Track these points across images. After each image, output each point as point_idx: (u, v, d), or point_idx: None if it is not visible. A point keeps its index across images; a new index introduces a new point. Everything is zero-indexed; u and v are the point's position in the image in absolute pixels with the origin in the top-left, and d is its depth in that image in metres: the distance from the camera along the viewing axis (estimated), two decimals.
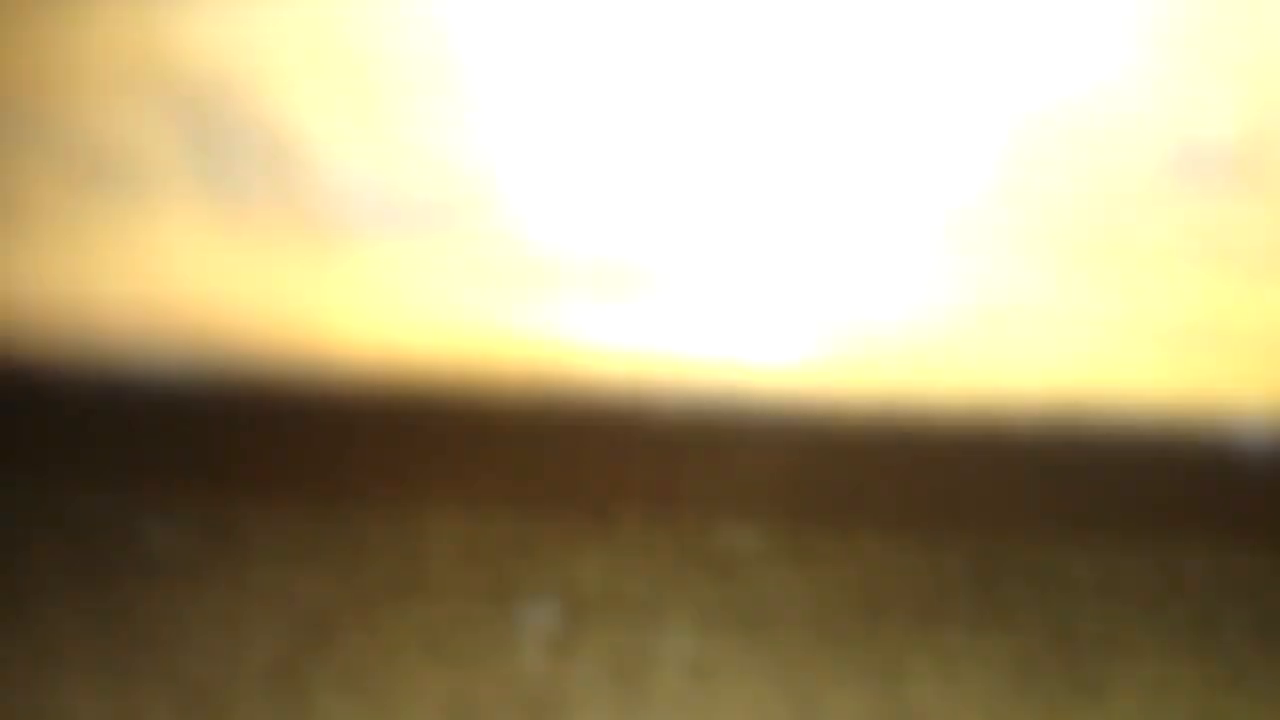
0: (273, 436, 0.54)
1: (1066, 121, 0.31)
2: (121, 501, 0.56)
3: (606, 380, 0.29)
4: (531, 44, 0.28)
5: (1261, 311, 0.32)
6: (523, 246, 0.28)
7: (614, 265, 0.28)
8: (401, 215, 0.28)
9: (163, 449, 0.56)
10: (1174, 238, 0.31)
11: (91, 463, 0.55)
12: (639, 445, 0.58)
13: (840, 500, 0.60)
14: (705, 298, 0.29)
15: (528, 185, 0.28)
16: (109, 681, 0.50)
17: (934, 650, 0.55)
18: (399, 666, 0.52)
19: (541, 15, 0.28)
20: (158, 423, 0.49)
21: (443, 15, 0.28)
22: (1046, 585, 0.57)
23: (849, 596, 0.56)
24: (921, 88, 0.30)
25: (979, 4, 0.30)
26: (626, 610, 0.55)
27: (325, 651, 0.52)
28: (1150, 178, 0.31)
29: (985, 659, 0.55)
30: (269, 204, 0.28)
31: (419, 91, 0.28)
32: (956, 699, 0.53)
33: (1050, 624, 0.56)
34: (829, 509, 0.60)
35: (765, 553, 0.58)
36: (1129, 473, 0.54)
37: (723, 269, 0.29)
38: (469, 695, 0.52)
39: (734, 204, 0.29)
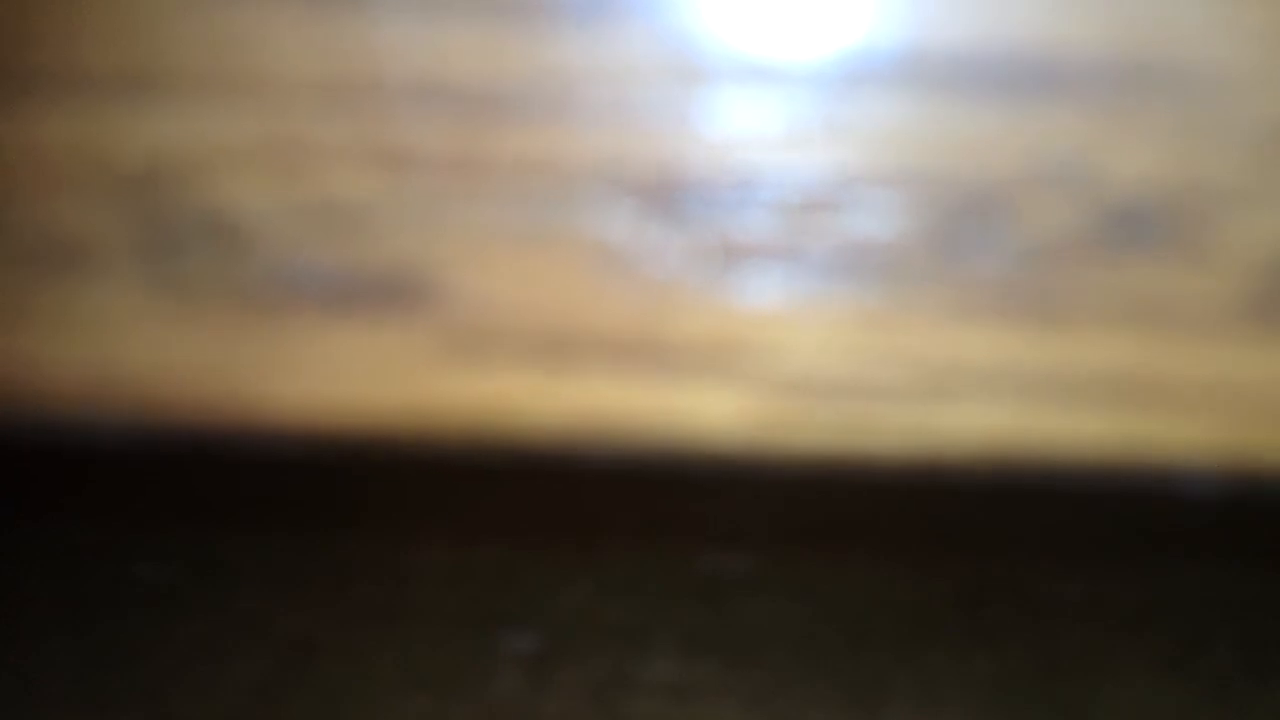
0: (257, 476, 0.54)
1: (999, 190, 0.31)
2: (106, 537, 0.56)
3: (539, 441, 0.29)
4: (468, 133, 0.29)
5: (1195, 370, 0.33)
6: (457, 323, 0.29)
7: (547, 338, 0.29)
8: (339, 296, 0.29)
9: (147, 486, 0.56)
10: (1104, 299, 0.32)
11: (77, 501, 0.56)
12: (627, 481, 0.58)
13: (825, 528, 0.60)
14: (645, 360, 0.30)
15: (461, 268, 0.29)
16: (91, 713, 0.51)
17: (916, 673, 0.55)
18: (378, 692, 0.53)
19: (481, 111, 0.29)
20: (132, 472, 0.50)
21: (381, 109, 0.28)
22: (1031, 609, 0.57)
23: (832, 621, 0.57)
24: (857, 161, 0.31)
25: (911, 76, 0.31)
26: (608, 636, 0.56)
27: (305, 678, 0.53)
28: (1082, 241, 0.31)
29: (968, 682, 0.55)
30: (210, 284, 0.29)
31: (356, 181, 0.29)
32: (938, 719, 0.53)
33: (1034, 647, 0.56)
34: (814, 537, 0.60)
35: (750, 580, 0.58)
36: (1089, 509, 0.55)
37: (661, 332, 0.30)
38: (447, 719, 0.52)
39: (674, 267, 0.30)
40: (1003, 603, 0.59)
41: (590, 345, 0.29)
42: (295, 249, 0.28)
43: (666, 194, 0.29)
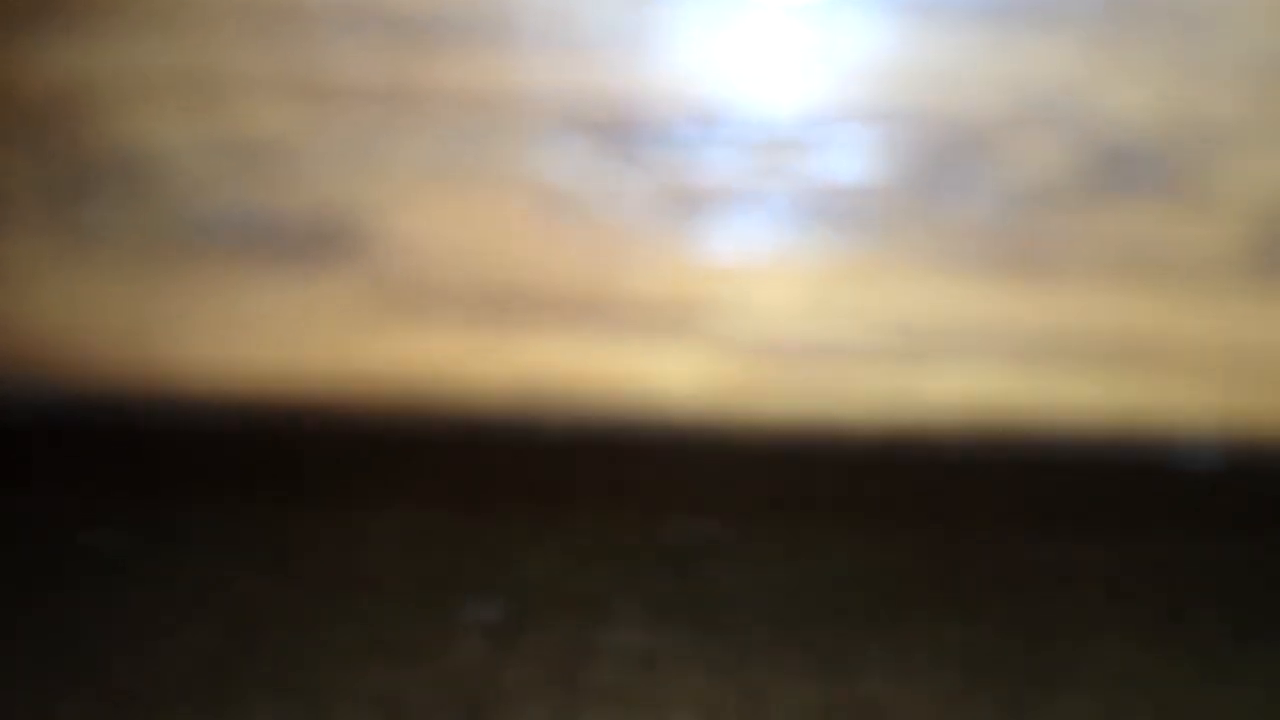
0: (207, 442, 0.53)
1: (983, 129, 0.29)
2: (54, 507, 0.55)
3: (483, 407, 0.27)
4: (394, 72, 0.26)
5: (1193, 327, 0.31)
6: (390, 275, 0.26)
7: (489, 292, 0.27)
8: (261, 243, 0.26)
9: (95, 456, 0.55)
10: (1095, 248, 0.30)
11: (21, 471, 0.55)
12: (590, 446, 0.57)
13: (795, 496, 0.59)
14: (597, 318, 0.28)
15: (394, 213, 0.27)
16: (39, 691, 0.50)
17: (888, 643, 0.54)
18: (332, 665, 0.51)
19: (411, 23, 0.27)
20: (57, 439, 0.49)
21: (305, 37, 0.26)
22: (1007, 577, 0.56)
23: (803, 590, 0.56)
24: (831, 98, 0.29)
25: (900, 12, 0.29)
26: (572, 605, 0.54)
27: (257, 651, 0.51)
28: (1072, 185, 0.29)
29: (941, 651, 0.54)
30: (120, 231, 0.27)
31: (280, 116, 0.27)
32: (910, 691, 0.52)
33: (1010, 616, 0.55)
34: (784, 504, 0.59)
35: (719, 548, 0.57)
36: (1076, 474, 0.53)
37: (615, 287, 0.28)
38: (404, 693, 0.51)
39: (630, 212, 0.28)
40: (978, 570, 0.58)
41: (537, 301, 0.27)
42: (213, 191, 0.26)
43: (620, 131, 0.26)
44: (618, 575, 0.55)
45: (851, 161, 0.28)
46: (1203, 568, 0.56)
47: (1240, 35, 0.29)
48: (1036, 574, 0.56)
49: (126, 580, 0.53)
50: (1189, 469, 0.35)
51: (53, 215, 0.26)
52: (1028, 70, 0.29)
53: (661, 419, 0.27)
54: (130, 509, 0.56)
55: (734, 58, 0.27)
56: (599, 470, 0.58)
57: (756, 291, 0.27)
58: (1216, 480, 0.48)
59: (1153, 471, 0.46)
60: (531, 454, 0.56)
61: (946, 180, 0.28)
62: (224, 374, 0.26)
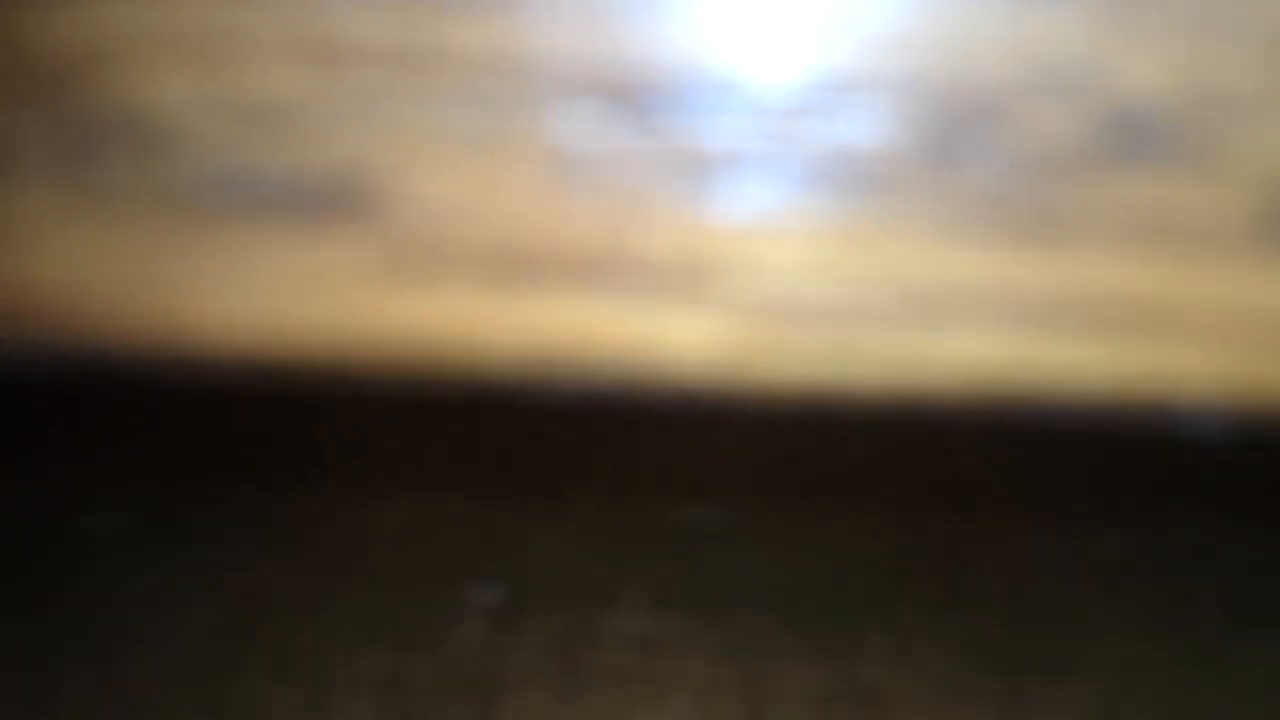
0: (211, 420, 0.53)
1: (996, 97, 0.29)
2: (55, 489, 0.55)
3: (494, 370, 0.27)
4: (406, 33, 0.26)
5: (1206, 293, 0.31)
6: (401, 236, 0.26)
7: (500, 254, 0.27)
8: (272, 203, 0.26)
9: (98, 436, 0.55)
10: (1107, 215, 0.30)
11: (24, 450, 0.54)
12: (594, 426, 0.57)
13: (799, 481, 0.59)
14: (609, 280, 0.28)
15: (405, 175, 0.26)
16: (39, 680, 0.50)
17: (891, 629, 0.54)
18: (334, 650, 0.51)
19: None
20: (58, 407, 0.49)
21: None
22: (1010, 565, 0.56)
23: (806, 576, 0.55)
24: (845, 64, 0.29)
25: None
26: (576, 589, 0.54)
27: (258, 636, 0.51)
28: (1083, 151, 0.29)
29: (944, 638, 0.54)
30: (131, 190, 0.27)
31: (290, 77, 0.27)
32: (912, 677, 0.52)
33: (1013, 604, 0.55)
34: (787, 488, 0.59)
35: (722, 533, 0.57)
36: (1079, 453, 0.53)
37: (626, 249, 0.28)
38: (405, 678, 0.50)
39: (641, 176, 0.28)
40: (981, 557, 0.58)
41: (549, 263, 0.27)
42: (223, 151, 0.26)
43: (633, 95, 0.26)
44: (620, 560, 0.55)
45: (864, 128, 0.28)
46: (1206, 550, 0.56)
47: (1252, 5, 0.29)
48: (1038, 560, 0.56)
49: (127, 562, 0.53)
50: (1195, 438, 0.35)
51: (64, 174, 0.26)
52: (1040, 38, 0.29)
53: (671, 379, 0.27)
54: (130, 487, 0.56)
55: (747, 23, 0.27)
56: (602, 453, 0.58)
57: (768, 255, 0.27)
58: (1223, 452, 0.48)
59: (1159, 443, 0.46)
60: (537, 429, 0.56)
61: (958, 147, 0.28)
62: (233, 332, 0.26)
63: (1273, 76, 0.29)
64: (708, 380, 0.28)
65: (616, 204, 0.27)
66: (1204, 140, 0.29)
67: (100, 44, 0.27)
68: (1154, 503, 0.56)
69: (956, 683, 0.52)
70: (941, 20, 0.27)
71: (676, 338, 0.28)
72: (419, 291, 0.27)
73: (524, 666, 0.51)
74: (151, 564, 0.53)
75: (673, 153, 0.27)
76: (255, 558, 0.53)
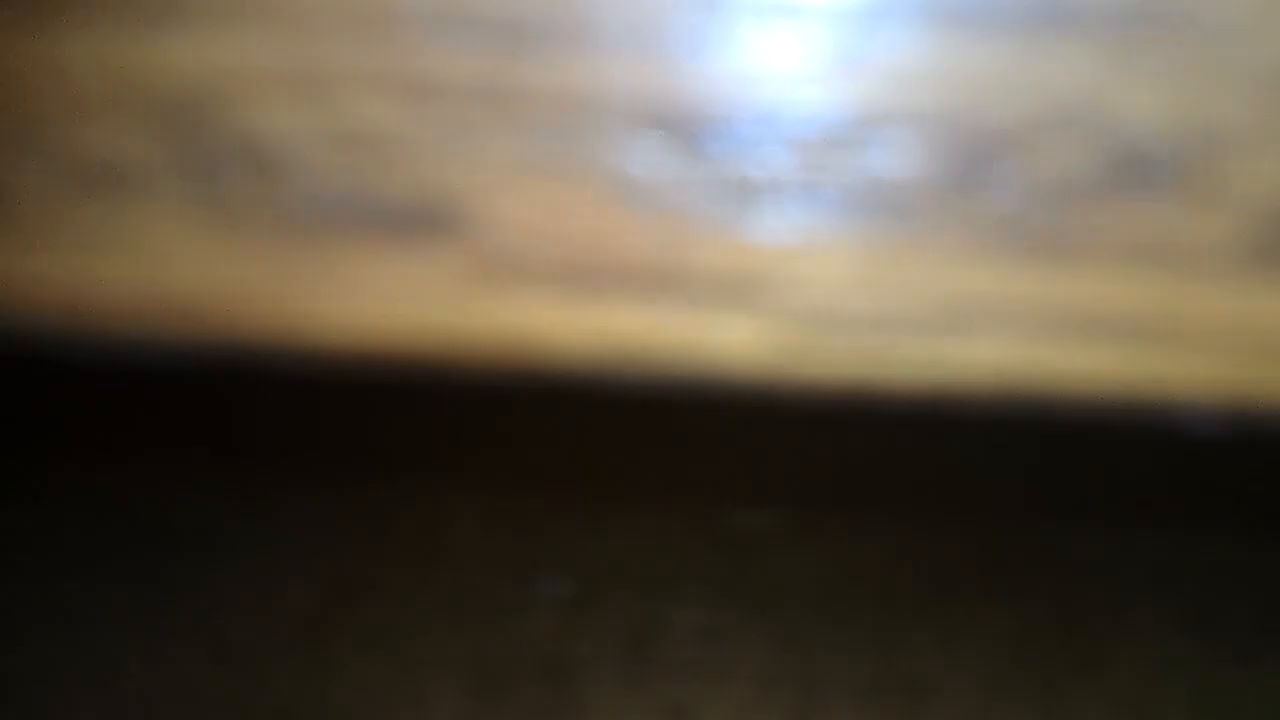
0: (300, 417, 0.55)
1: (1012, 130, 0.32)
2: (151, 476, 0.58)
3: (565, 367, 0.30)
4: (488, 73, 0.30)
5: (1203, 309, 0.34)
6: (484, 252, 0.30)
7: (571, 267, 0.30)
8: (371, 222, 0.30)
9: (192, 427, 0.57)
10: (1114, 238, 0.33)
11: (122, 440, 0.57)
12: (656, 430, 0.59)
13: (849, 483, 0.61)
14: (668, 290, 0.31)
15: (488, 198, 0.30)
16: (153, 642, 0.52)
17: (936, 625, 0.56)
18: (420, 631, 0.54)
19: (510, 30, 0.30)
20: (179, 402, 0.51)
21: (407, 39, 0.29)
22: (1050, 565, 0.58)
23: (854, 573, 0.58)
24: (876, 100, 0.32)
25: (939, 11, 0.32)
26: (638, 583, 0.57)
27: (351, 615, 0.54)
28: (1092, 181, 0.32)
29: (987, 634, 0.56)
30: (248, 207, 0.30)
31: (386, 111, 0.30)
32: (956, 671, 0.54)
33: (1053, 603, 0.57)
34: (834, 494, 0.61)
35: (775, 533, 0.59)
36: (1109, 458, 0.56)
37: (683, 263, 0.31)
38: (485, 659, 0.53)
39: (695, 200, 0.31)
40: (1021, 560, 0.60)
41: (614, 275, 0.30)
42: (330, 176, 0.29)
43: (687, 128, 0.30)
44: (680, 557, 0.58)
45: (894, 158, 0.31)
46: (1239, 560, 0.57)
47: (1250, 45, 0.32)
48: (1076, 564, 0.58)
49: (228, 549, 0.55)
50: (1197, 436, 0.37)
51: (192, 193, 0.30)
52: (1053, 79, 0.32)
53: (723, 379, 0.30)
54: (227, 481, 0.59)
55: (787, 63, 0.30)
56: (663, 455, 0.61)
57: (810, 270, 0.30)
58: (1226, 450, 0.50)
59: (1165, 443, 0.48)
60: (604, 434, 0.58)
61: (978, 175, 0.31)
62: (339, 332, 0.29)
63: (1265, 115, 0.32)
64: (757, 379, 0.31)
65: (674, 224, 0.30)
66: (1201, 172, 0.32)
67: (222, 79, 0.30)
68: (1179, 511, 0.58)
69: (999, 674, 0.54)
70: (963, 61, 0.30)
71: (728, 341, 0.31)
72: (499, 300, 0.30)
73: (593, 653, 0.54)
74: (255, 549, 0.56)
75: (723, 179, 0.30)
76: (348, 546, 0.56)
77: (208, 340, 0.29)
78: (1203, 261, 0.32)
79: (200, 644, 0.53)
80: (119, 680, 0.50)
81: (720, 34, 0.30)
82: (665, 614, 0.56)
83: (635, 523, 0.59)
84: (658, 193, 0.30)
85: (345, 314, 0.29)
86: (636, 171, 0.30)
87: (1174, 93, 0.32)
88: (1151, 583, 0.57)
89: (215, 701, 0.50)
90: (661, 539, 0.59)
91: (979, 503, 0.60)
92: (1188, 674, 0.54)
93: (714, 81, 0.30)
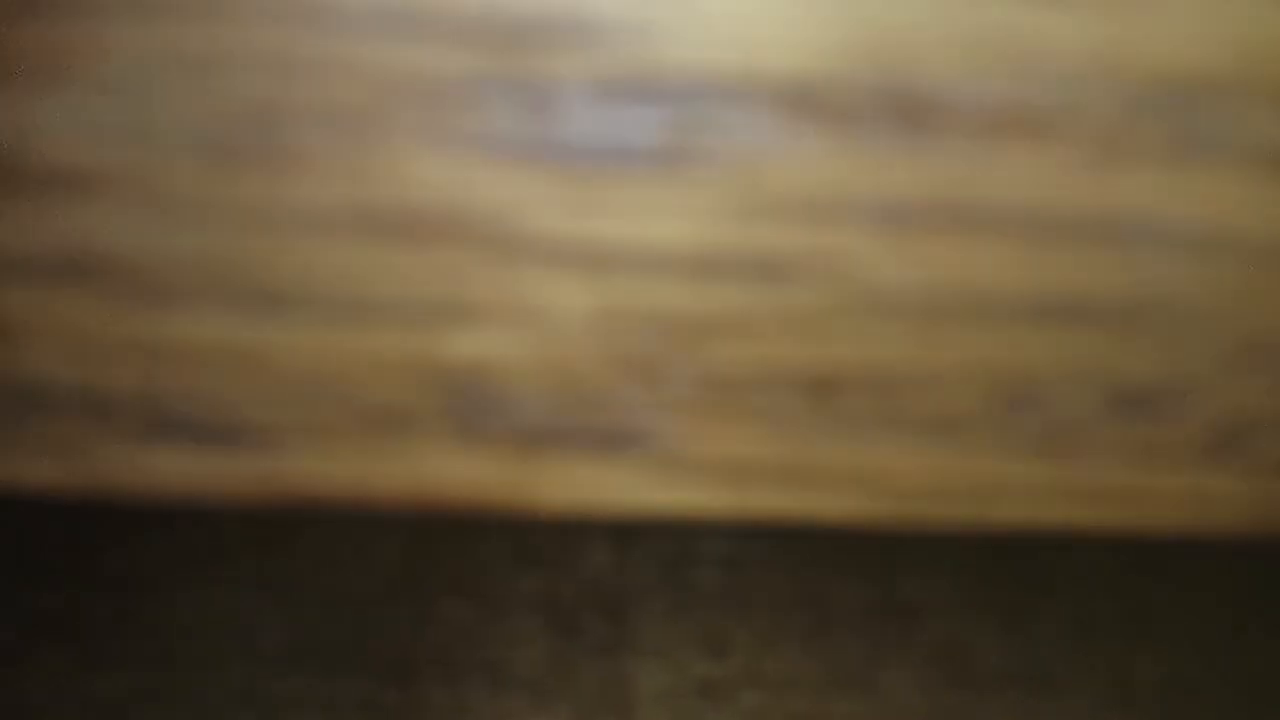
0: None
1: (1029, 379, 0.40)
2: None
3: None
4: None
5: (1180, 487, 0.42)
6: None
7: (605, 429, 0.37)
8: (578, 436, 0.37)
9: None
10: (1118, 459, 0.41)
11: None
12: None
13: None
14: None
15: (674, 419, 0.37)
16: (275, 597, 0.54)
17: (922, 551, 0.58)
18: (498, 572, 0.57)
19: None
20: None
21: None
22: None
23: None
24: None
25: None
26: (671, 527, 0.60)
27: (438, 563, 0.57)
28: (1096, 417, 0.40)
29: (970, 560, 0.58)
30: (500, 440, 0.39)
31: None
32: (942, 590, 0.56)
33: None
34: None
35: None
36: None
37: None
38: (556, 595, 0.56)
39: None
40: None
41: None
42: (542, 404, 0.37)
43: None
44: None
45: None
46: None
47: (1219, 323, 0.38)
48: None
49: (327, 516, 0.55)
50: None
51: (457, 430, 0.38)
52: (1071, 347, 0.38)
53: None
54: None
55: None
56: None
57: None
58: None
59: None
60: None
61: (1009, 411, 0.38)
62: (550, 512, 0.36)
63: (1225, 367, 0.38)
64: None
65: None
66: (1178, 403, 0.39)
67: (485, 358, 0.37)
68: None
69: (980, 595, 0.56)
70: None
71: None
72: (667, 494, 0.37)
73: (640, 580, 0.57)
74: (335, 516, 0.55)
75: None
76: None
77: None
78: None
79: (317, 592, 0.55)
80: None
81: None
82: (696, 548, 0.58)
83: None
84: None
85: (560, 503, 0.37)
86: None
87: (1161, 357, 0.39)
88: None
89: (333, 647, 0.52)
90: None
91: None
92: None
93: None
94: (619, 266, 0.36)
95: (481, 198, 0.35)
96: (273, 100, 0.34)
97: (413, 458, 0.37)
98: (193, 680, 0.50)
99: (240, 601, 0.54)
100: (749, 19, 0.33)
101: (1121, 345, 0.37)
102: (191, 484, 0.37)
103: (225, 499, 0.37)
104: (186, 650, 0.51)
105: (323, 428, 0.36)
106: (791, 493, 0.38)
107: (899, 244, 0.34)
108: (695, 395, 0.36)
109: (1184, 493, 0.38)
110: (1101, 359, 0.36)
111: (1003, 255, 0.35)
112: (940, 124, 0.34)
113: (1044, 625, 0.56)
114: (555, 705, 0.52)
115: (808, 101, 0.33)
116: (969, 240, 0.35)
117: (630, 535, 0.60)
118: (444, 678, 0.52)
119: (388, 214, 0.35)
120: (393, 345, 0.36)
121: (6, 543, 0.53)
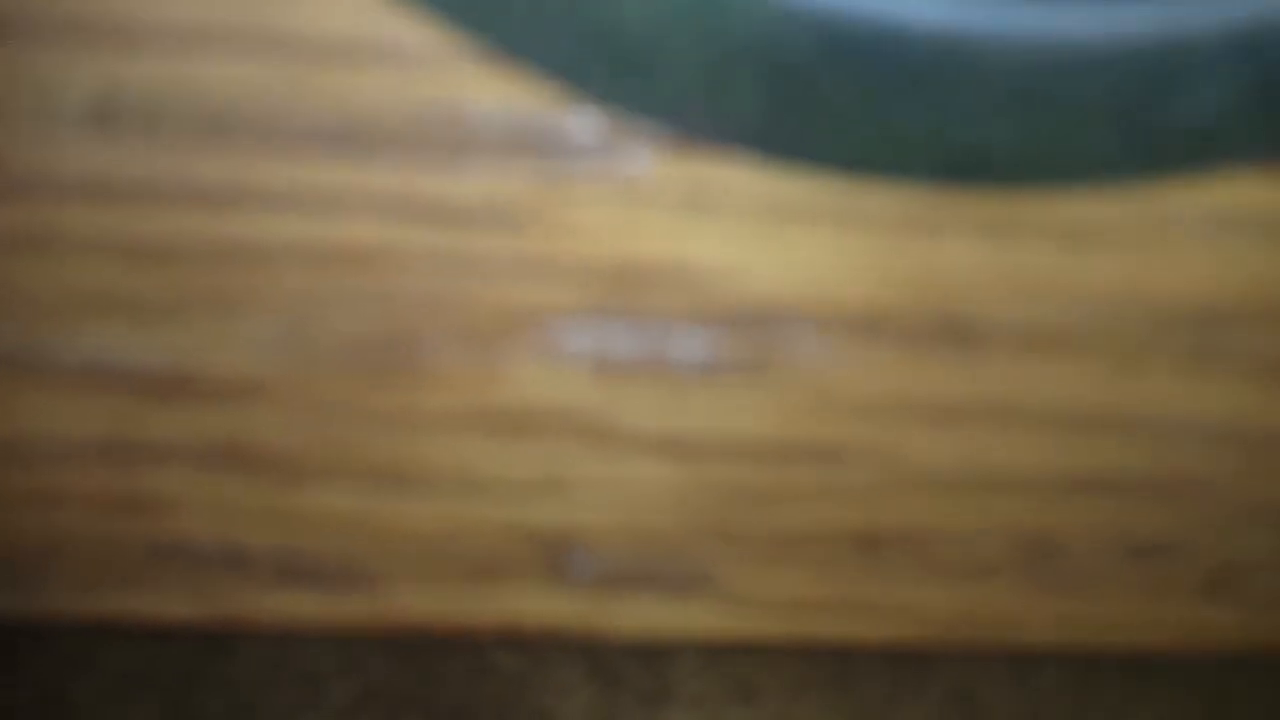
0: None
1: (1053, 536, 0.44)
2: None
3: None
4: None
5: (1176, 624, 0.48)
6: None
7: (679, 574, 0.44)
8: (642, 580, 0.44)
9: None
10: (1128, 596, 0.47)
11: None
12: None
13: None
14: None
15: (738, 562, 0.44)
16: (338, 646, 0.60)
17: None
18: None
19: None
20: None
21: None
22: None
23: None
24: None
25: None
26: None
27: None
28: (1112, 563, 0.46)
29: None
30: (582, 584, 0.45)
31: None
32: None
33: None
34: None
35: None
36: None
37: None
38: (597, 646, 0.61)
39: None
40: None
41: None
42: (610, 554, 0.44)
43: None
44: None
45: None
46: None
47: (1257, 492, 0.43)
48: None
49: None
50: None
51: (550, 573, 0.45)
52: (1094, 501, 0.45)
53: None
54: None
55: None
56: None
57: None
58: None
59: None
60: None
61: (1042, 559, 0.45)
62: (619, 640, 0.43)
63: (1219, 531, 0.43)
64: None
65: None
66: (1187, 551, 0.45)
67: (562, 519, 0.45)
68: None
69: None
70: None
71: None
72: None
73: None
74: None
75: None
76: None
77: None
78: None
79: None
80: None
81: None
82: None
83: None
84: None
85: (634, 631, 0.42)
86: None
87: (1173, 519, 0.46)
88: None
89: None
90: None
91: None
92: None
93: None
94: (702, 455, 0.41)
95: (586, 400, 0.41)
96: (416, 328, 0.40)
97: (505, 599, 0.43)
98: None
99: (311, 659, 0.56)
100: (822, 260, 0.39)
101: (1136, 510, 0.41)
102: (310, 620, 0.43)
103: (338, 630, 0.43)
104: (268, 704, 0.56)
105: (431, 575, 0.42)
106: (838, 623, 0.44)
107: (945, 436, 0.40)
108: (758, 550, 0.42)
109: (1184, 620, 0.44)
110: (1118, 522, 0.42)
111: (1036, 443, 0.40)
112: (984, 343, 0.40)
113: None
114: None
115: (873, 325, 0.39)
116: (1007, 432, 0.40)
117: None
118: None
119: (503, 415, 0.41)
120: (497, 514, 0.42)
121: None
